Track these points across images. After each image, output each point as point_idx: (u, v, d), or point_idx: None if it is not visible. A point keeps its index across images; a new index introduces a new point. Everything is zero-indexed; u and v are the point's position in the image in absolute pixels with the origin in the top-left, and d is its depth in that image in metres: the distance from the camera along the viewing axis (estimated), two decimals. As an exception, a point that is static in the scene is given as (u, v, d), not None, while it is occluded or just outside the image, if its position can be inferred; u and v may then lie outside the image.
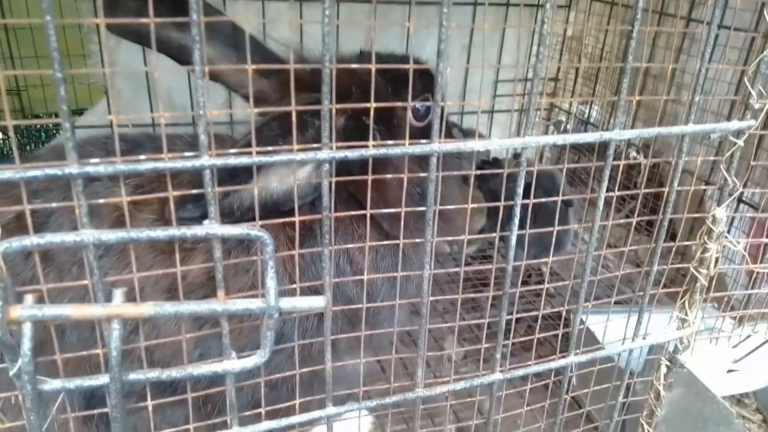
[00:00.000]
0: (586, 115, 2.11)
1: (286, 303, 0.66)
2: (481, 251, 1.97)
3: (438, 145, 0.68)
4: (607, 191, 0.78)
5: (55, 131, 2.14)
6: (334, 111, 0.65)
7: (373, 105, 0.68)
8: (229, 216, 0.79)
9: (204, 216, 0.61)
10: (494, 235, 0.94)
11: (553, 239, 0.87)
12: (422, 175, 0.72)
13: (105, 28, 0.92)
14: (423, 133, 1.02)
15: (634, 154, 1.91)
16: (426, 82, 1.02)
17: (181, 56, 0.87)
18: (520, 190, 0.73)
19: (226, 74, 0.90)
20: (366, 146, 0.67)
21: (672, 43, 1.77)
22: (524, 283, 1.83)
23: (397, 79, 0.97)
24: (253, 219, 0.69)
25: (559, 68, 2.18)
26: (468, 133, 1.72)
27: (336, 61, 1.01)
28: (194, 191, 0.65)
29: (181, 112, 1.87)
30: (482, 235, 1.40)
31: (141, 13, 0.85)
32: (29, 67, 1.82)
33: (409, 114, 0.99)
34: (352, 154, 0.64)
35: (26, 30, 1.82)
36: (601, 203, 0.78)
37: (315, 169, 0.92)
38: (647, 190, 0.89)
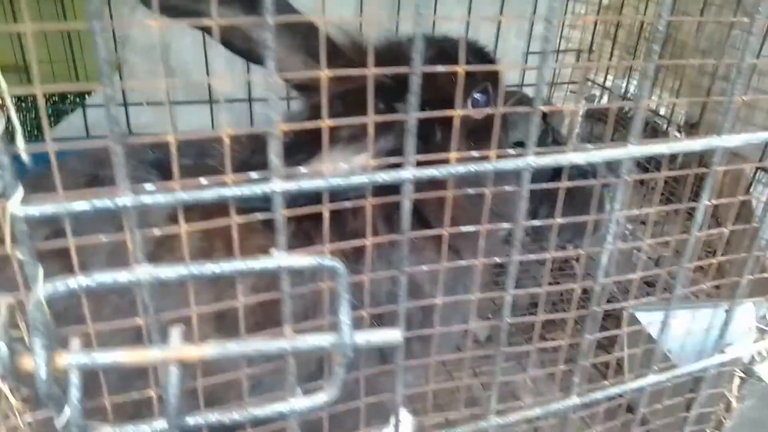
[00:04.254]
0: (623, 90, 2.01)
1: (361, 338, 0.59)
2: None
3: (533, 159, 0.59)
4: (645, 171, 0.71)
5: (71, 109, 2.03)
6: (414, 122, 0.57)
7: (458, 112, 0.59)
8: (267, 201, 0.68)
9: (267, 200, 0.52)
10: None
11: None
12: (508, 189, 0.64)
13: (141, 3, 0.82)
14: (482, 126, 0.93)
15: (675, 133, 1.81)
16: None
17: (227, 36, 0.77)
18: (618, 206, 0.65)
19: (281, 61, 0.80)
20: (448, 161, 0.59)
21: (722, 15, 1.66)
22: (560, 269, 1.76)
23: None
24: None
25: (592, 40, 2.07)
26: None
27: (393, 47, 0.92)
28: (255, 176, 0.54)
29: (198, 88, 1.78)
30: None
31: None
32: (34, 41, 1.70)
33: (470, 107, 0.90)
34: (439, 172, 0.56)
35: (32, 3, 1.70)
36: (700, 217, 0.70)
37: (374, 159, 0.84)
38: (710, 200, 0.81)
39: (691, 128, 1.73)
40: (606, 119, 2.01)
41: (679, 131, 1.81)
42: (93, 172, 0.76)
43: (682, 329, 0.87)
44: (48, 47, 1.69)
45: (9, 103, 0.45)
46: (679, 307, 0.90)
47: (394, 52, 0.88)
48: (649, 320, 0.94)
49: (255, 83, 1.77)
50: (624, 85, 2.01)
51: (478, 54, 0.93)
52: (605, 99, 2.08)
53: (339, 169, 0.76)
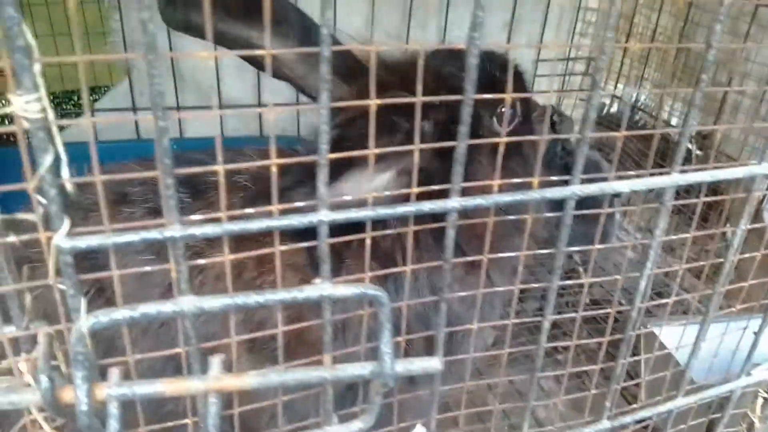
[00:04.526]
0: (633, 99, 2.00)
1: (401, 367, 0.58)
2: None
3: (578, 188, 0.58)
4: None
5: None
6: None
7: (502, 140, 0.58)
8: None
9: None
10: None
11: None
12: (549, 215, 0.63)
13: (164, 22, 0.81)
14: (509, 141, 0.92)
15: (687, 144, 1.80)
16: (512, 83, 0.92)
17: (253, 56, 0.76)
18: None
19: (302, 78, 0.79)
20: (492, 186, 0.58)
21: (736, 28, 1.65)
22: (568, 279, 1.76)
23: (483, 81, 0.87)
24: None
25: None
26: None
27: (415, 63, 0.91)
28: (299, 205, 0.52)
29: (208, 95, 1.76)
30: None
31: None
32: (45, 45, 1.69)
33: (496, 122, 0.90)
34: (485, 201, 0.55)
35: (42, 6, 1.69)
36: (736, 242, 0.69)
37: (397, 178, 0.83)
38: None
39: (704, 139, 1.73)
40: (613, 126, 2.01)
41: (691, 142, 1.81)
42: (121, 190, 0.75)
43: (707, 349, 0.87)
44: (57, 49, 1.67)
45: (56, 133, 0.44)
46: (696, 322, 0.90)
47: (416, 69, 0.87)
48: (675, 342, 0.93)
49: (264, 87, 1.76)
50: (635, 94, 2.01)
51: (506, 68, 0.92)
52: (615, 107, 2.08)
53: (366, 190, 0.74)
